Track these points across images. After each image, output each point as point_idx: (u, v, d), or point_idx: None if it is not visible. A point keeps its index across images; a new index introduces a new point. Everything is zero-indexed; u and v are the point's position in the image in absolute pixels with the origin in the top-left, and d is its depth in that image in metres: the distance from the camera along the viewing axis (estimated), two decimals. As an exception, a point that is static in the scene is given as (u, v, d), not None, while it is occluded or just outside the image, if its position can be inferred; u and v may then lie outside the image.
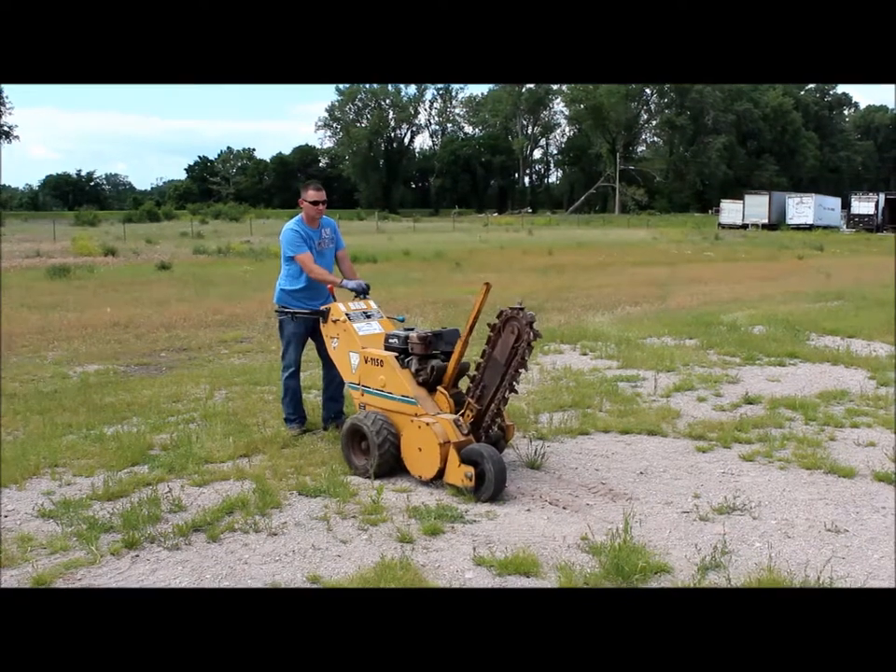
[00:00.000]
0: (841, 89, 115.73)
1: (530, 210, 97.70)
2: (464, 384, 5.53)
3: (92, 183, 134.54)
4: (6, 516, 4.80)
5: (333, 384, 6.49)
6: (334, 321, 5.99)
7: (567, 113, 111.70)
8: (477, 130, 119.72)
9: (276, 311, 6.54)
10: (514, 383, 5.15)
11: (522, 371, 5.13)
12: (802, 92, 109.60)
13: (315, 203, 6.31)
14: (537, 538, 4.47)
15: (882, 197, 56.38)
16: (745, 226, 57.28)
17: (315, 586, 3.94)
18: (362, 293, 6.22)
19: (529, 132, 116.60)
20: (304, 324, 6.35)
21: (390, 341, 5.63)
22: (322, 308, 6.15)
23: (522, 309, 4.99)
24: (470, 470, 4.96)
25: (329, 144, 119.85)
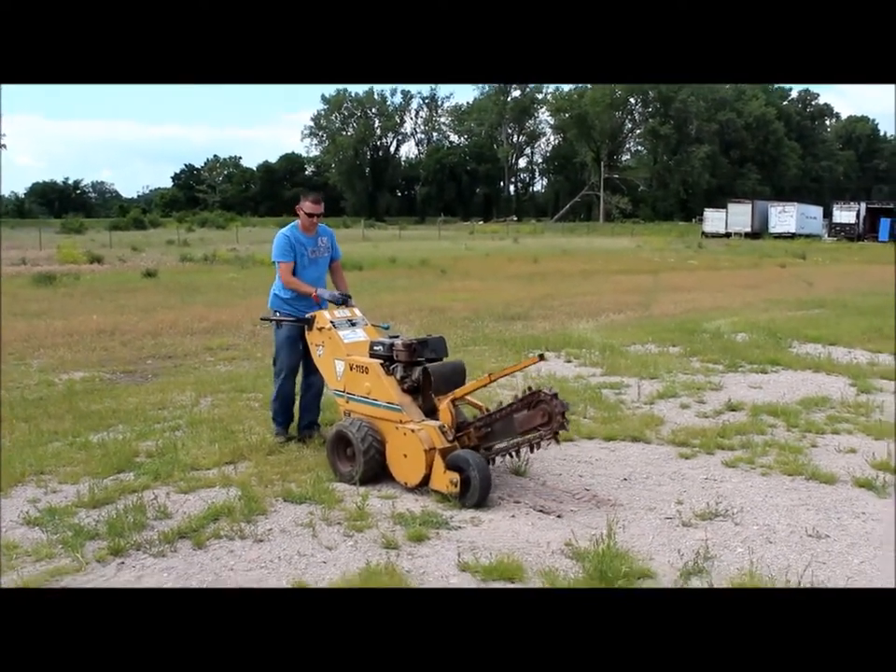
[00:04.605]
0: (823, 99, 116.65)
1: (515, 218, 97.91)
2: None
3: (79, 191, 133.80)
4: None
5: (310, 392, 6.49)
6: (319, 329, 6.00)
7: (551, 122, 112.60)
8: (462, 138, 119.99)
9: (262, 318, 6.54)
10: (519, 449, 5.19)
11: (532, 448, 5.08)
12: (784, 102, 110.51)
13: (310, 214, 6.32)
14: (521, 543, 4.50)
15: (863, 206, 57.03)
16: (728, 234, 57.70)
17: (300, 587, 3.95)
18: (337, 303, 6.24)
19: (514, 140, 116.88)
20: (297, 327, 6.34)
21: (375, 348, 5.64)
22: (307, 316, 6.16)
23: (556, 396, 4.91)
24: (456, 477, 4.99)
25: (315, 152, 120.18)
